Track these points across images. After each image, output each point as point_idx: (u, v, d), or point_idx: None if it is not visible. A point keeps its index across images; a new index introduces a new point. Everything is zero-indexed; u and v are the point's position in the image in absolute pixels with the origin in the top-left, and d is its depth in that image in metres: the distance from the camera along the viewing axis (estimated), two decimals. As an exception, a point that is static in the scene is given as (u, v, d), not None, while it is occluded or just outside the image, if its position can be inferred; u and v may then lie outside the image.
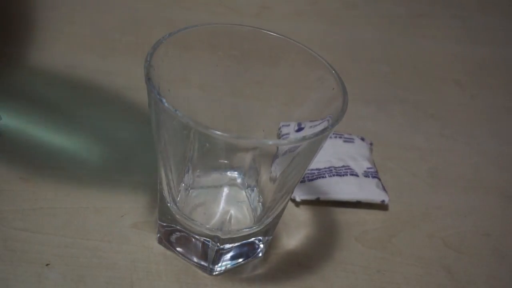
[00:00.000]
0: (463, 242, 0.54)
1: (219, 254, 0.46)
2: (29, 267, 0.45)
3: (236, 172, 0.49)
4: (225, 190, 0.49)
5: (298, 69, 0.47)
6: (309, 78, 0.47)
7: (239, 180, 0.49)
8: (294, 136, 0.48)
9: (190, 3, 0.73)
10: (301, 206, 0.54)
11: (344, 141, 0.57)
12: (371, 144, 0.59)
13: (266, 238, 0.48)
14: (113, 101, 0.59)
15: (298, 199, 0.53)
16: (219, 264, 0.47)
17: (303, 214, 0.53)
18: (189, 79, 0.47)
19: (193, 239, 0.47)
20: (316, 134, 0.41)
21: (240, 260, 0.48)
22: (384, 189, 0.55)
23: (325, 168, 0.55)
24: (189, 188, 0.48)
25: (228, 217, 0.47)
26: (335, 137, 0.57)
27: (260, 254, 0.49)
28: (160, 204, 0.47)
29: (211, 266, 0.47)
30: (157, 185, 0.47)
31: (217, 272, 0.47)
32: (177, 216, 0.46)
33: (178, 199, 0.47)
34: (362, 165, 0.56)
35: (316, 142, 0.42)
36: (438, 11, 0.83)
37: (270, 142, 0.43)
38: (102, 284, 0.45)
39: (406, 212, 0.55)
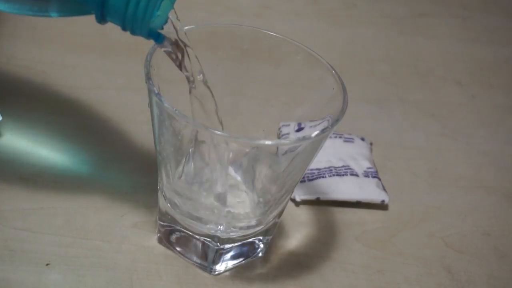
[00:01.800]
0: (463, 242, 0.54)
1: (219, 254, 0.46)
2: (29, 267, 0.45)
3: (236, 172, 0.49)
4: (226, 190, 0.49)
5: (298, 69, 0.47)
6: (309, 78, 0.47)
7: (239, 180, 0.49)
8: (294, 136, 0.48)
9: (190, 3, 0.73)
10: (301, 206, 0.54)
11: (344, 141, 0.57)
12: (371, 144, 0.59)
13: (266, 238, 0.48)
14: (113, 101, 0.59)
15: (298, 199, 0.53)
16: (219, 264, 0.47)
17: (303, 214, 0.53)
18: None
19: (193, 239, 0.47)
20: (316, 134, 0.41)
21: (240, 260, 0.48)
22: (384, 189, 0.55)
23: (325, 168, 0.55)
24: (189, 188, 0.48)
25: (228, 217, 0.47)
26: (335, 137, 0.57)
27: (260, 254, 0.49)
28: (160, 204, 0.48)
29: (211, 266, 0.47)
30: (157, 185, 0.47)
31: (217, 272, 0.47)
32: (177, 216, 0.46)
33: (178, 199, 0.47)
34: (362, 165, 0.56)
35: (316, 142, 0.43)
36: (438, 11, 0.83)
37: (270, 142, 0.43)
38: (102, 284, 0.45)
39: (406, 212, 0.55)
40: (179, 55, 0.40)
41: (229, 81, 0.49)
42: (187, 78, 0.40)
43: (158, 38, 0.40)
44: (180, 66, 0.40)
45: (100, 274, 0.46)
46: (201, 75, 0.40)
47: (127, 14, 0.38)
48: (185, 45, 0.40)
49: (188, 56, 0.40)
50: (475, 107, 0.69)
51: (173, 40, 0.40)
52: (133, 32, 0.39)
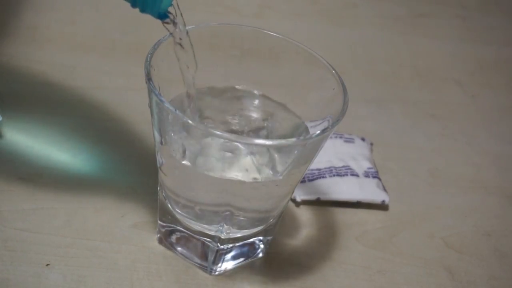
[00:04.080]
0: (463, 242, 0.54)
1: (219, 254, 0.46)
2: (29, 267, 0.45)
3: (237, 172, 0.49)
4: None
5: (298, 69, 0.47)
6: (309, 78, 0.47)
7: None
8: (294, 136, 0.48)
9: (190, 3, 0.73)
10: (301, 206, 0.54)
11: (345, 141, 0.57)
12: (371, 144, 0.59)
13: (267, 238, 0.48)
14: (113, 101, 0.59)
15: (298, 199, 0.53)
16: (219, 264, 0.47)
17: (303, 214, 0.53)
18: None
19: (193, 239, 0.47)
20: (317, 134, 0.41)
21: (241, 260, 0.48)
22: (384, 189, 0.55)
23: (325, 168, 0.55)
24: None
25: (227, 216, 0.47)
26: (336, 137, 0.57)
27: (260, 254, 0.49)
28: (160, 204, 0.47)
29: (211, 266, 0.47)
30: (157, 185, 0.47)
31: (217, 272, 0.47)
32: (178, 215, 0.46)
33: (180, 199, 0.46)
34: (362, 165, 0.56)
35: (316, 142, 0.42)
36: (438, 11, 0.83)
37: (270, 142, 0.43)
38: (102, 284, 0.45)
39: (407, 212, 0.55)
40: (177, 29, 0.43)
41: (229, 81, 0.48)
42: (178, 42, 0.43)
43: (164, 17, 0.43)
44: (177, 39, 0.43)
45: (100, 274, 0.46)
46: (187, 36, 0.44)
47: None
48: (184, 23, 0.43)
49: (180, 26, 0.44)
50: (475, 107, 0.69)
51: (173, 19, 0.43)
52: (143, 12, 0.41)
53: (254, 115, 0.48)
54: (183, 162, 0.44)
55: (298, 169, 0.45)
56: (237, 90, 0.49)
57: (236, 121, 0.48)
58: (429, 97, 0.69)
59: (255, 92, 0.49)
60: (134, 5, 0.41)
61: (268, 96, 0.48)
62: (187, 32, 0.44)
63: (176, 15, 0.43)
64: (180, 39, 0.44)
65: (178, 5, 0.43)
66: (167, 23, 0.43)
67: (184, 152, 0.44)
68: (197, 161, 0.44)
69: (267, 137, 0.47)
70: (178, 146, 0.44)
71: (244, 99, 0.49)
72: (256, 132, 0.48)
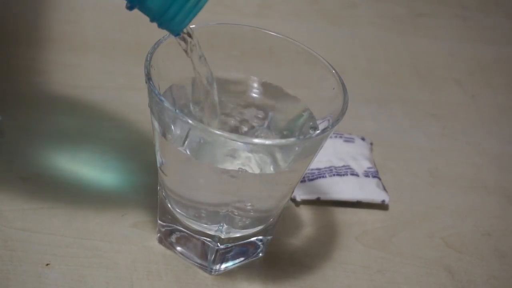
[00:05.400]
0: (463, 242, 0.54)
1: (219, 254, 0.46)
2: (29, 267, 0.45)
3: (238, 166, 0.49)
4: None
5: (298, 69, 0.47)
6: (309, 78, 0.47)
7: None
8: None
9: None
10: (301, 206, 0.54)
11: (345, 141, 0.57)
12: (371, 144, 0.59)
13: (267, 238, 0.48)
14: (113, 101, 0.59)
15: (298, 199, 0.53)
16: (219, 264, 0.47)
17: (303, 214, 0.53)
18: (189, 79, 0.47)
19: (193, 239, 0.47)
20: (317, 134, 0.41)
21: (240, 260, 0.48)
22: (384, 189, 0.55)
23: (325, 167, 0.55)
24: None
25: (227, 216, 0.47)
26: (336, 136, 0.57)
27: (260, 254, 0.49)
28: (160, 203, 0.48)
29: (211, 266, 0.47)
30: (157, 185, 0.47)
31: (217, 272, 0.47)
32: (178, 215, 0.46)
33: (180, 199, 0.47)
34: (362, 165, 0.56)
35: (316, 142, 0.43)
36: (438, 11, 0.82)
37: (270, 142, 0.43)
38: (102, 284, 0.45)
39: (407, 212, 0.55)
40: (187, 43, 0.43)
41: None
42: (192, 60, 0.44)
43: (178, 33, 0.42)
44: (186, 51, 0.43)
45: (100, 274, 0.46)
46: (201, 57, 0.44)
47: (164, 19, 0.40)
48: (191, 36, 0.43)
49: (191, 42, 0.44)
50: (475, 107, 0.69)
51: (185, 33, 0.43)
52: (161, 27, 0.41)
53: (255, 105, 0.48)
54: (184, 156, 0.44)
55: (298, 167, 0.45)
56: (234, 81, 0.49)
57: (236, 114, 0.48)
58: (429, 97, 0.69)
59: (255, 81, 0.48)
60: (153, 20, 0.41)
61: (267, 82, 0.48)
62: (203, 57, 0.44)
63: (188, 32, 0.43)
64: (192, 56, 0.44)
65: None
66: (179, 40, 0.43)
67: (185, 149, 0.44)
68: (199, 155, 0.44)
69: (268, 128, 0.47)
70: (179, 144, 0.44)
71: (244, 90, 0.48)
72: (257, 124, 0.47)
